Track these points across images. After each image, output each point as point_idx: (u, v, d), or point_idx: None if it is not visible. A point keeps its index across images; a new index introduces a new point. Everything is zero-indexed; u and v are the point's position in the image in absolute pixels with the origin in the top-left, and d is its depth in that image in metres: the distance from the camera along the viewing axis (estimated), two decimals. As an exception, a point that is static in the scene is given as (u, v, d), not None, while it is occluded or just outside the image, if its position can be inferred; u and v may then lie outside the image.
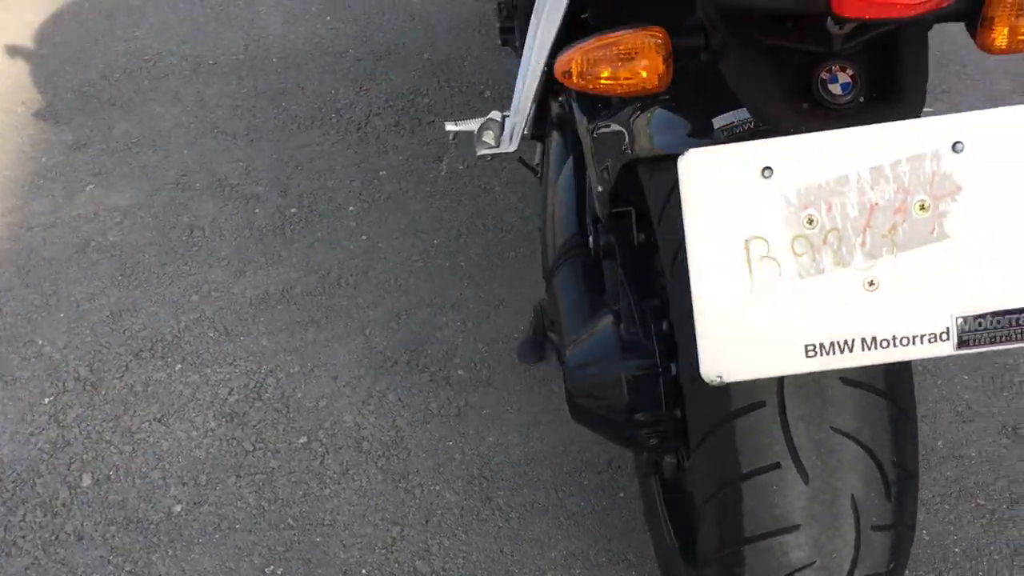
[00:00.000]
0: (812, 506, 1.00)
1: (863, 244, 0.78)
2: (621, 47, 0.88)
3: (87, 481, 1.72)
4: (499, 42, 1.98)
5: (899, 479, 1.01)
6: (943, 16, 0.80)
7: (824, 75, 0.83)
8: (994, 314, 0.78)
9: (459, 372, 1.85)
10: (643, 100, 1.19)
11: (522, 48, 1.64)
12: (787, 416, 0.98)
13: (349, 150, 2.33)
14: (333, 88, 2.51)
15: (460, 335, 1.91)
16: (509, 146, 1.38)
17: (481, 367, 1.86)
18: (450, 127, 1.61)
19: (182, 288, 2.05)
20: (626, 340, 1.25)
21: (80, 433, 1.80)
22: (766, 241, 0.79)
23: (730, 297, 0.81)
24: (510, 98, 2.47)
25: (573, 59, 0.90)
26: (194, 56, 2.66)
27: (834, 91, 0.82)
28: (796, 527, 1.00)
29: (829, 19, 0.81)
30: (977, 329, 0.79)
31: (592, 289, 1.37)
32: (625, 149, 1.18)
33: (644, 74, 0.89)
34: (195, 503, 1.68)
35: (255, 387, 1.85)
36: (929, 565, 1.51)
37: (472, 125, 1.62)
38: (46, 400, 1.86)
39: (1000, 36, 0.79)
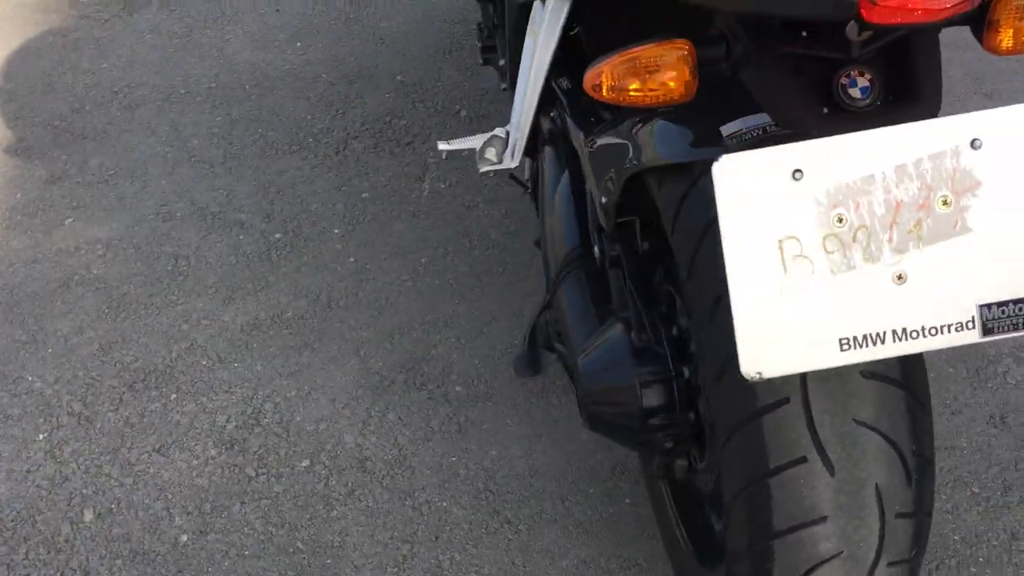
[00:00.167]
0: (838, 497, 1.03)
1: (890, 240, 0.81)
2: (649, 60, 0.91)
3: (89, 516, 1.71)
4: (480, 61, 2.01)
5: (919, 467, 1.05)
6: (952, 20, 0.84)
7: (843, 80, 0.87)
8: (1015, 302, 0.82)
9: (457, 388, 1.87)
10: (644, 113, 1.22)
11: (508, 67, 1.67)
12: (811, 411, 1.01)
13: (330, 173, 2.35)
14: (308, 113, 2.52)
15: (455, 352, 1.93)
16: (512, 162, 1.40)
17: (478, 382, 1.88)
18: (443, 146, 1.63)
19: (171, 318, 2.04)
20: (638, 346, 1.28)
21: (78, 468, 1.78)
22: (799, 241, 0.82)
23: (766, 296, 0.84)
24: (487, 117, 2.52)
25: (603, 73, 0.93)
26: (165, 86, 2.65)
27: (854, 95, 0.86)
28: (823, 519, 1.04)
29: (849, 26, 0.85)
30: (1000, 317, 0.83)
31: (598, 299, 1.40)
32: (631, 160, 1.22)
33: (672, 85, 0.93)
34: (201, 532, 1.67)
35: (253, 413, 1.85)
36: (931, 554, 1.55)
37: (465, 144, 1.64)
38: (40, 436, 1.84)
39: (1006, 38, 0.83)
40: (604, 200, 1.29)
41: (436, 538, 1.64)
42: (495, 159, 1.38)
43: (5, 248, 2.22)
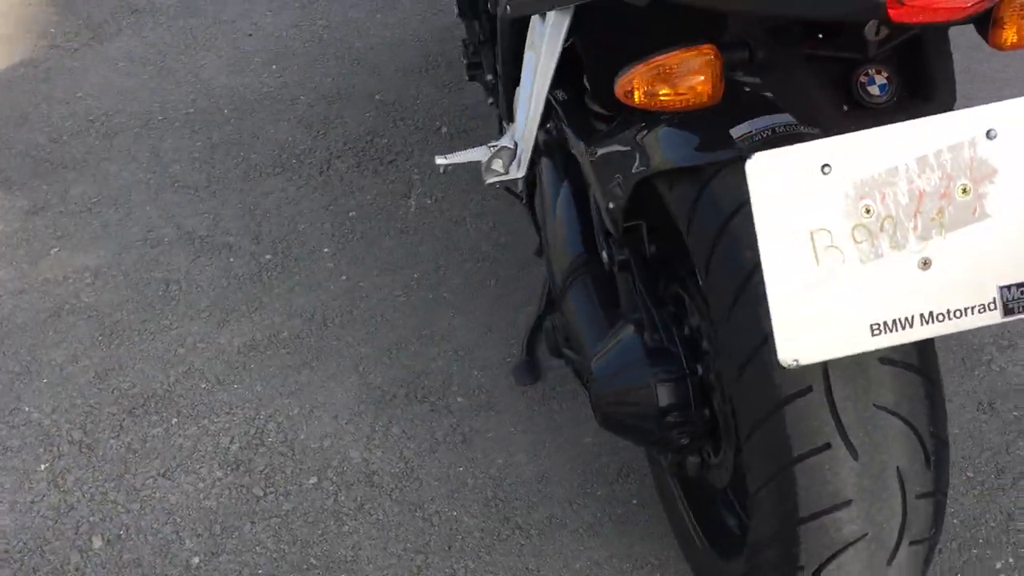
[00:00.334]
0: (862, 481, 1.07)
1: (915, 228, 0.86)
2: (678, 65, 0.95)
3: (98, 543, 1.70)
4: (466, 77, 2.04)
5: (936, 448, 1.10)
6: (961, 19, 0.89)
7: (862, 78, 0.91)
8: (1034, 282, 0.87)
9: (459, 400, 1.89)
10: (648, 119, 1.26)
11: (501, 81, 1.70)
12: (834, 398, 1.05)
13: (315, 194, 2.36)
14: (289, 135, 2.54)
15: (454, 364, 1.95)
16: (518, 172, 1.44)
17: (480, 393, 1.90)
18: (441, 160, 1.66)
19: (166, 343, 2.04)
20: (651, 347, 1.32)
21: (83, 496, 1.77)
22: (829, 232, 0.86)
23: (801, 286, 0.88)
24: (468, 132, 2.55)
25: (634, 79, 0.97)
26: (142, 113, 2.65)
27: (872, 92, 0.91)
28: (848, 502, 1.08)
29: (868, 27, 0.89)
30: (1019, 297, 0.88)
31: (606, 303, 1.44)
32: (639, 166, 1.25)
33: (700, 88, 0.97)
34: (213, 554, 1.67)
35: (256, 433, 1.86)
36: (932, 537, 1.60)
37: (462, 157, 1.67)
38: (42, 467, 1.83)
39: (1011, 34, 0.89)
40: (611, 206, 1.33)
41: (449, 547, 1.66)
42: (502, 170, 1.42)
43: (-9, 280, 2.21)
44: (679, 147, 1.18)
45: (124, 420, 1.90)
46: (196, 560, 1.67)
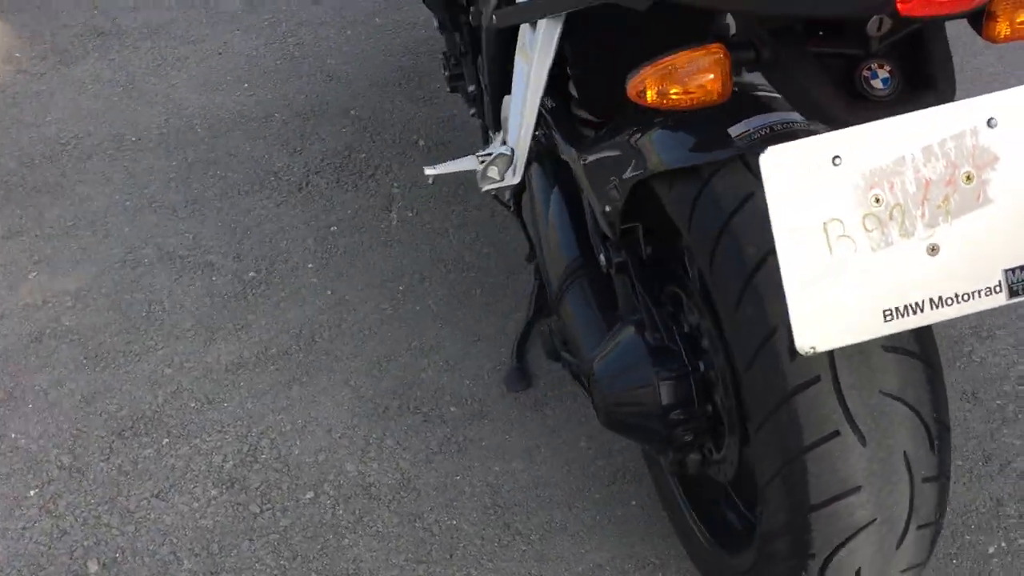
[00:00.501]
0: (871, 466, 1.09)
1: (923, 216, 0.89)
2: (689, 64, 0.97)
3: (94, 567, 1.68)
4: (448, 89, 2.05)
5: (939, 432, 1.12)
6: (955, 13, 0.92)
7: (866, 73, 0.94)
8: (1037, 264, 0.90)
9: (452, 409, 1.90)
10: (641, 122, 1.28)
11: (486, 91, 1.72)
12: (841, 386, 1.07)
13: (295, 210, 2.36)
14: (265, 152, 2.53)
15: (445, 374, 1.96)
16: (513, 179, 1.45)
17: (472, 401, 1.91)
18: (430, 171, 1.67)
19: (153, 363, 2.02)
20: (652, 346, 1.33)
21: (76, 520, 1.75)
22: (841, 222, 0.89)
23: (816, 275, 0.90)
24: (446, 145, 2.56)
25: (646, 79, 0.99)
26: (114, 135, 2.63)
27: (876, 86, 0.94)
28: (858, 488, 1.10)
29: (870, 22, 0.92)
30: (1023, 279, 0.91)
31: (604, 305, 1.45)
32: (635, 168, 1.27)
33: (710, 87, 0.99)
34: (212, 573, 1.66)
35: (250, 450, 1.85)
36: (926, 525, 1.64)
37: (451, 167, 1.69)
38: (32, 493, 1.80)
39: (1004, 27, 0.92)
40: (608, 209, 1.35)
41: (451, 556, 1.66)
42: (498, 177, 1.43)
43: (-31, 307, 2.18)
44: (678, 148, 1.20)
45: (113, 442, 1.88)
46: (195, 580, 1.66)
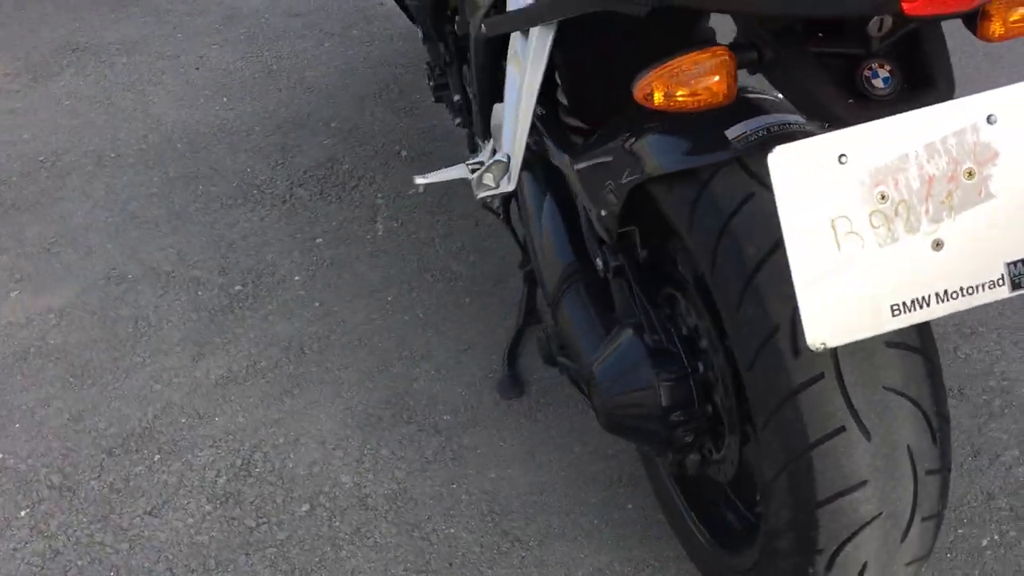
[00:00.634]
0: (876, 461, 1.11)
1: (927, 211, 0.90)
2: (695, 66, 0.98)
3: (89, 586, 1.66)
4: (433, 99, 2.06)
5: (940, 425, 1.14)
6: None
7: (866, 72, 0.96)
8: (1038, 256, 0.92)
9: (445, 418, 1.90)
10: (635, 127, 1.30)
11: (475, 101, 1.73)
12: (845, 382, 1.09)
13: (280, 223, 2.35)
14: (247, 166, 2.53)
15: (437, 383, 1.96)
16: (508, 186, 1.46)
17: (465, 409, 1.91)
18: (420, 180, 1.68)
19: (141, 379, 2.01)
20: (652, 348, 1.34)
21: (68, 540, 1.73)
22: (848, 219, 0.90)
23: (825, 272, 0.92)
24: (428, 155, 2.56)
25: (653, 83, 1.00)
26: (93, 151, 2.61)
27: (877, 85, 0.96)
28: (864, 483, 1.11)
29: (872, 23, 0.94)
30: (1025, 271, 0.93)
31: (601, 309, 1.46)
32: (632, 172, 1.28)
33: (716, 88, 1.00)
34: (210, 588, 1.65)
35: (243, 464, 1.84)
36: (920, 520, 1.66)
37: (442, 176, 1.69)
38: (22, 513, 1.78)
39: (998, 27, 0.95)
40: (604, 213, 1.36)
41: (450, 564, 1.66)
42: (493, 184, 1.44)
43: (-49, 327, 2.15)
44: (676, 151, 1.21)
45: (104, 460, 1.86)
46: (193, 596, 1.64)
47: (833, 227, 0.90)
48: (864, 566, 1.16)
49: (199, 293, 2.19)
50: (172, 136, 2.64)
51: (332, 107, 2.70)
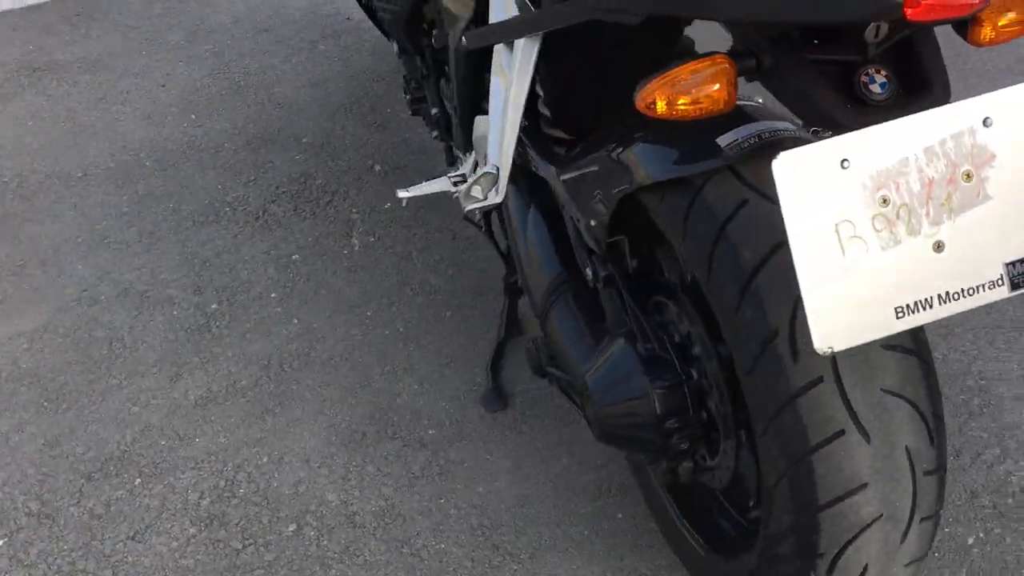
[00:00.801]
0: (875, 463, 1.11)
1: (928, 214, 0.91)
2: (696, 74, 0.99)
3: (72, 615, 1.63)
4: (409, 112, 2.05)
5: (936, 426, 1.15)
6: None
7: (864, 78, 0.97)
8: (1037, 257, 0.94)
9: (430, 432, 1.88)
10: (623, 136, 1.30)
11: (455, 113, 1.72)
12: (844, 385, 1.10)
13: (253, 239, 2.33)
14: (219, 183, 2.50)
15: (420, 397, 1.95)
16: (496, 198, 1.46)
17: (450, 424, 1.90)
18: (403, 194, 1.67)
19: (118, 402, 1.97)
20: (645, 356, 1.34)
21: (49, 569, 1.70)
22: (852, 223, 0.91)
23: (830, 277, 0.92)
24: (402, 169, 2.55)
25: (655, 91, 1.00)
26: (60, 171, 2.57)
27: (874, 90, 0.97)
28: (864, 485, 1.12)
29: (868, 29, 0.95)
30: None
31: (591, 319, 1.46)
32: (622, 182, 1.28)
33: (716, 96, 1.01)
34: (197, 612, 1.62)
35: (226, 485, 1.81)
36: (907, 520, 1.67)
37: (425, 189, 1.69)
38: (0, 542, 1.74)
39: (988, 31, 0.96)
40: (593, 223, 1.36)
41: (442, 580, 1.65)
42: (481, 196, 1.43)
43: (-81, 353, 2.10)
44: (667, 160, 1.22)
45: (83, 486, 1.82)
46: (180, 621, 1.61)
47: (837, 232, 0.91)
48: (865, 568, 1.16)
49: (174, 312, 2.16)
50: (140, 154, 2.61)
51: (303, 122, 2.68)
